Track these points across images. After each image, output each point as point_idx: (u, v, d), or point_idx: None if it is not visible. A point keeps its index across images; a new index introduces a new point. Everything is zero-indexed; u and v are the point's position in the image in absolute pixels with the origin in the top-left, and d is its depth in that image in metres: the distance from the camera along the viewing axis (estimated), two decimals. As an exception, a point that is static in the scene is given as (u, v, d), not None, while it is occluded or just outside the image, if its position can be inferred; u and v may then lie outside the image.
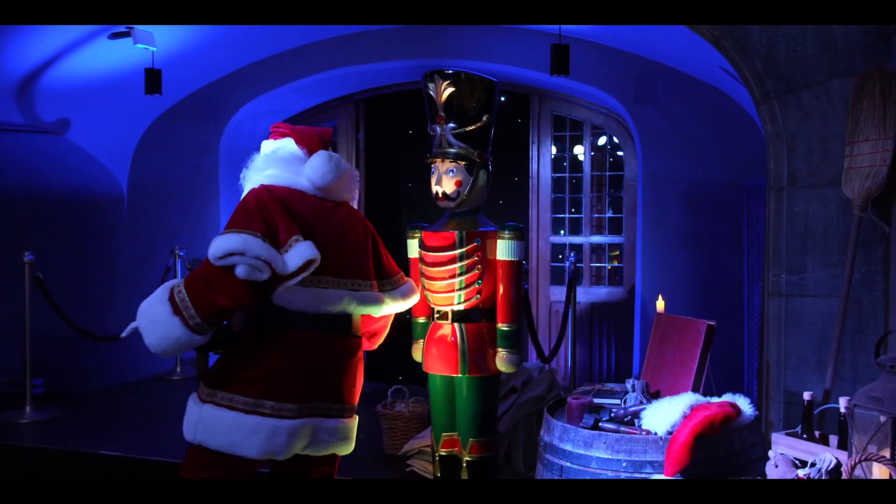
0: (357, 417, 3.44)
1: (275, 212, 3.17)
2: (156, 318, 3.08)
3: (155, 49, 5.86)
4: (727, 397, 3.40)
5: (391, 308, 3.48)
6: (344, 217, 3.36)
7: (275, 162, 3.34)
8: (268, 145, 3.43)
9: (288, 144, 3.39)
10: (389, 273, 3.48)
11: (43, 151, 6.76)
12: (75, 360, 7.25)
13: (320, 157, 3.30)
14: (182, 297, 3.07)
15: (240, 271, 3.01)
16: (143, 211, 7.24)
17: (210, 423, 3.19)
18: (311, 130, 3.47)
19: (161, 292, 3.12)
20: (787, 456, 3.17)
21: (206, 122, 7.10)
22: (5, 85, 5.81)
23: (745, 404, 3.37)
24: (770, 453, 3.24)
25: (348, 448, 3.42)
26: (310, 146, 3.38)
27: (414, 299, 3.57)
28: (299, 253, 3.10)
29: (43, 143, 6.63)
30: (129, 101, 6.67)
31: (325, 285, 3.22)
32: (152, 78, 5.96)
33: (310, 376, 3.23)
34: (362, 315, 3.39)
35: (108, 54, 5.92)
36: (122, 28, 5.61)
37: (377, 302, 3.36)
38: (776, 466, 3.14)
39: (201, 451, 3.25)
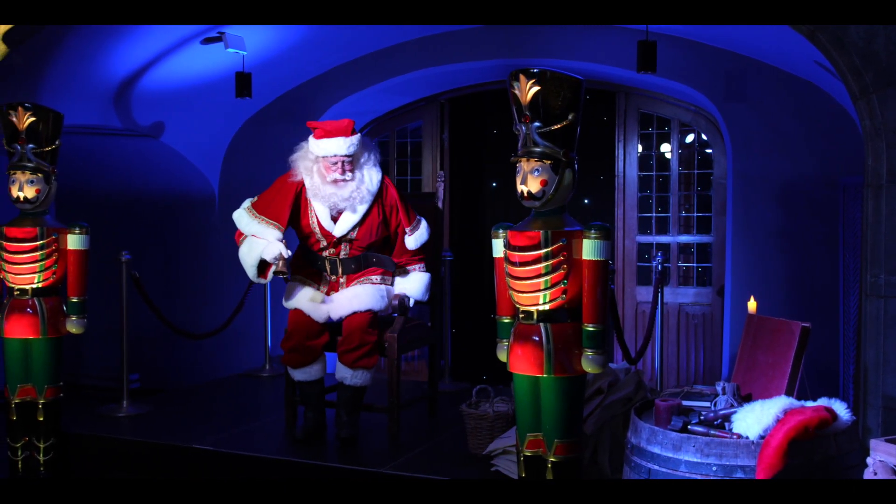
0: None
1: None
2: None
3: (245, 53, 6.00)
4: (822, 401, 3.31)
5: None
6: None
7: None
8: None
9: None
10: None
11: (139, 154, 6.99)
12: (169, 357, 7.48)
13: None
14: None
15: None
16: (233, 211, 7.41)
17: None
18: None
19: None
20: (886, 463, 3.06)
21: (294, 124, 7.21)
22: (104, 91, 6.03)
23: (841, 409, 3.27)
24: (868, 460, 3.14)
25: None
26: None
27: None
28: None
29: (139, 146, 6.85)
30: (220, 105, 6.85)
31: None
32: (243, 81, 6.10)
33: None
34: None
35: (200, 59, 6.09)
36: (213, 33, 5.76)
37: None
38: (875, 474, 3.04)
39: None
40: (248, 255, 4.84)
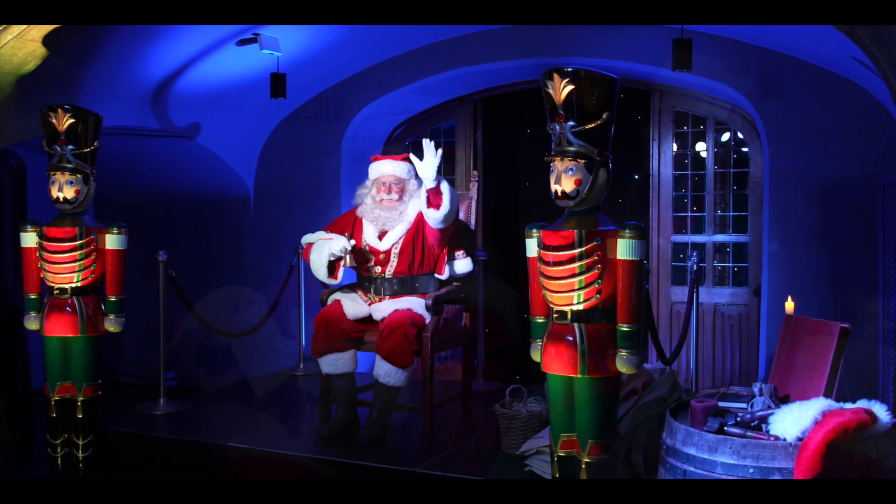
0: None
1: None
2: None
3: (280, 54, 6.03)
4: (862, 403, 3.27)
5: None
6: None
7: None
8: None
9: None
10: None
11: (175, 155, 7.06)
12: (205, 356, 7.54)
13: None
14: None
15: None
16: (268, 211, 7.48)
17: None
18: None
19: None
20: (928, 466, 3.01)
21: (328, 125, 7.27)
22: (141, 92, 6.10)
23: (881, 411, 3.22)
24: (909, 463, 3.08)
25: None
26: None
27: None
28: None
29: (175, 147, 6.92)
30: (255, 106, 6.90)
31: None
32: (277, 82, 6.13)
33: None
34: None
35: (235, 60, 6.14)
36: (248, 35, 5.81)
37: None
38: (916, 477, 2.99)
39: None
40: (319, 257, 5.15)
